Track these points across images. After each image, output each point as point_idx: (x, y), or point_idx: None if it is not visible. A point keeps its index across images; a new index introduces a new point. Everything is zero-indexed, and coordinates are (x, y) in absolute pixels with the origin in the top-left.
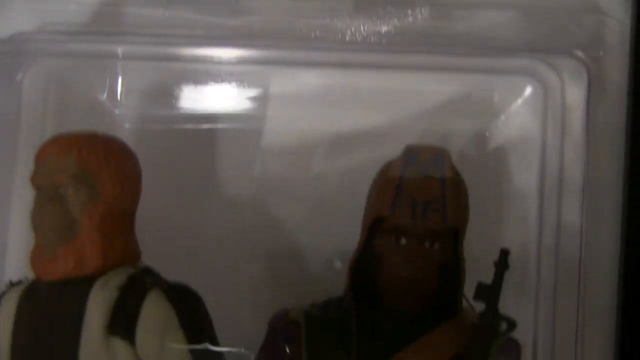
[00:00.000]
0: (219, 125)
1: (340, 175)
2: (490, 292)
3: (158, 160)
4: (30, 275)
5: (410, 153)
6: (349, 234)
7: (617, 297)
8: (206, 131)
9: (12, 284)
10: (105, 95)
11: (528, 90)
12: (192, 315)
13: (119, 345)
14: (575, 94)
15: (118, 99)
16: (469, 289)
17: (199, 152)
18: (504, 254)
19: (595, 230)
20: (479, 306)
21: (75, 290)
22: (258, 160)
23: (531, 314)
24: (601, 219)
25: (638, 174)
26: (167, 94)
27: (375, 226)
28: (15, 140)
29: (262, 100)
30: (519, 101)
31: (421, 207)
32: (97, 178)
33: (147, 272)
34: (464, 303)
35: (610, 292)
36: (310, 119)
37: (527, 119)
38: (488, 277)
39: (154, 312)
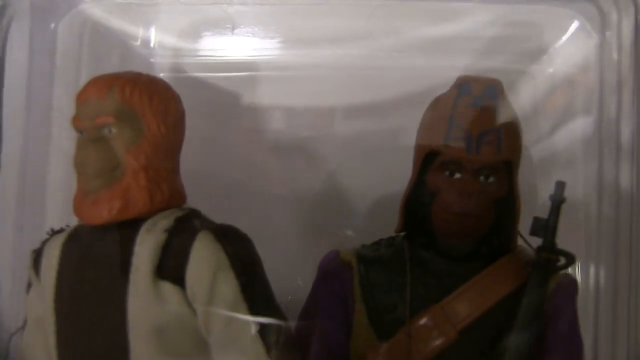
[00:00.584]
0: (255, 73)
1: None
2: (547, 226)
3: (191, 109)
4: (72, 223)
5: (463, 83)
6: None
7: None
8: (241, 79)
9: (54, 232)
10: (139, 42)
11: (574, 26)
12: (243, 256)
13: (169, 289)
14: (623, 30)
15: (152, 47)
16: (523, 226)
17: (234, 100)
18: (560, 185)
19: None
20: (535, 242)
21: (121, 234)
22: (298, 105)
23: (593, 251)
24: None
25: None
26: (201, 41)
27: (427, 161)
28: (51, 88)
29: (303, 45)
30: (565, 38)
31: (475, 139)
32: (141, 117)
33: (195, 214)
34: (519, 240)
35: None
36: (352, 58)
37: (574, 55)
38: (543, 214)
39: (204, 254)
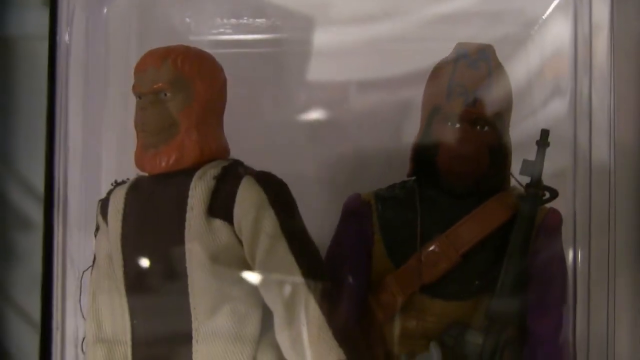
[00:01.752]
0: (279, 49)
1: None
2: (534, 167)
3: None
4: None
5: (461, 48)
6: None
7: None
8: (272, 53)
9: (117, 183)
10: (178, 23)
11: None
12: (280, 196)
13: (219, 225)
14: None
15: (189, 27)
16: (514, 168)
17: (268, 74)
18: (544, 133)
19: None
20: (524, 181)
21: (177, 181)
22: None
23: (570, 191)
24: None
25: None
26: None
27: (432, 115)
28: (105, 64)
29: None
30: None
31: (472, 95)
32: (191, 83)
33: (238, 163)
34: (512, 180)
35: None
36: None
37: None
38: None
39: (248, 194)
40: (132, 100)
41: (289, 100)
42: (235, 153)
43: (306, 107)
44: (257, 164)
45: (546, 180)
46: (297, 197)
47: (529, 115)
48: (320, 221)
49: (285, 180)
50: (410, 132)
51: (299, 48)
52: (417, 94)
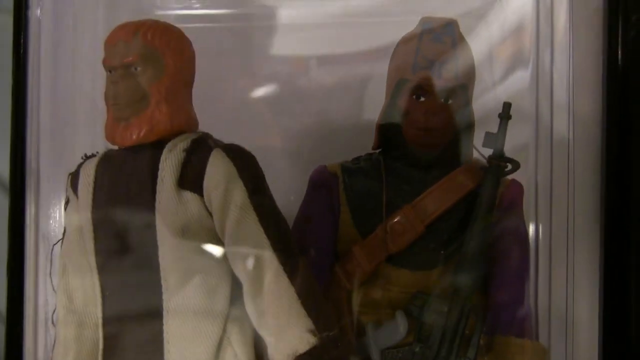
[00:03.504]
0: (247, 24)
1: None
2: (496, 139)
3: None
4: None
5: (426, 22)
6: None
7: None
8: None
9: (87, 157)
10: None
11: None
12: (249, 169)
13: (189, 196)
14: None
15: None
16: (477, 140)
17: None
18: (507, 105)
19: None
20: (487, 153)
21: (148, 153)
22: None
23: (532, 162)
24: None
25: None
26: None
27: (398, 88)
28: (74, 38)
29: None
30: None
31: (437, 67)
32: (162, 56)
33: (207, 136)
34: (474, 151)
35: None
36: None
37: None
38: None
39: (217, 167)
40: (102, 73)
41: (254, 73)
42: (202, 126)
43: (271, 80)
44: (224, 137)
45: (508, 153)
46: (264, 169)
47: (491, 88)
48: (287, 192)
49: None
50: (373, 105)
51: (265, 22)
52: (381, 68)
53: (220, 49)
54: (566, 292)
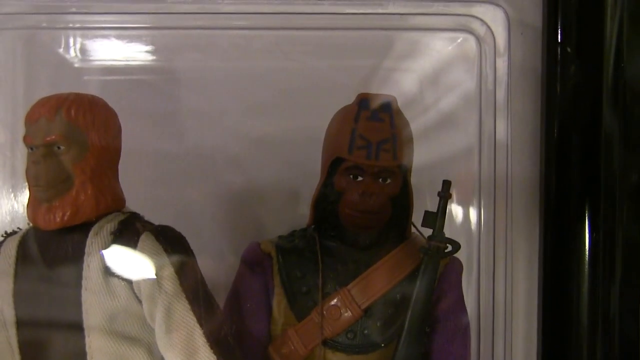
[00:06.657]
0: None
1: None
2: (436, 219)
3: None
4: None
5: (363, 100)
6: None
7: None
8: (164, 80)
9: (7, 234)
10: (62, 49)
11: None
12: (179, 252)
13: (118, 284)
14: (498, 39)
15: (75, 54)
16: (416, 218)
17: (159, 101)
18: (447, 184)
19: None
20: (427, 232)
21: (72, 237)
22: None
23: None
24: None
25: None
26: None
27: (334, 166)
28: None
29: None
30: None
31: (374, 147)
32: (86, 134)
33: (135, 216)
34: (413, 230)
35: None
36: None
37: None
38: (434, 206)
39: (147, 253)
40: (21, 145)
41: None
42: (127, 187)
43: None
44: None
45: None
46: (190, 233)
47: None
48: (216, 256)
49: (177, 214)
50: (306, 164)
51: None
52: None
53: (144, 104)
54: (504, 291)
